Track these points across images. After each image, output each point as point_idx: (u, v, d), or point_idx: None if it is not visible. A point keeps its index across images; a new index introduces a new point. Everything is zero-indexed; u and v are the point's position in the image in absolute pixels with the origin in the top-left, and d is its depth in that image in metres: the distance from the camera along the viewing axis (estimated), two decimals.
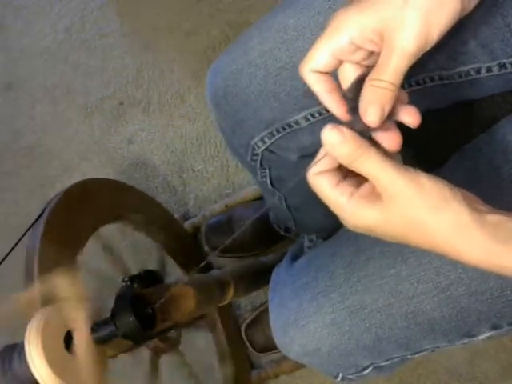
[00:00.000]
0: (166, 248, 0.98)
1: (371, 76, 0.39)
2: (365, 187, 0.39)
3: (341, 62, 0.42)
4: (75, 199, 0.71)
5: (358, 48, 0.40)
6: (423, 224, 0.38)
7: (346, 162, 0.38)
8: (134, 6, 1.39)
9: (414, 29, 0.37)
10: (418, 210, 0.37)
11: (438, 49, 0.52)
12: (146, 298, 0.55)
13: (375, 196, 0.38)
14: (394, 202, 0.38)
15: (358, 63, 0.42)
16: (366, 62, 0.42)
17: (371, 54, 0.41)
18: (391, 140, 0.40)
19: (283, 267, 0.66)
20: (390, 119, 0.40)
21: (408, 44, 0.38)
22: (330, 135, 0.38)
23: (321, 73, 0.42)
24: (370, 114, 0.39)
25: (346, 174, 0.40)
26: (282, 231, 1.03)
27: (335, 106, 0.42)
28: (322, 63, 0.41)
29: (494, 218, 0.37)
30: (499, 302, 0.50)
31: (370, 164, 0.38)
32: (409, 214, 0.38)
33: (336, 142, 0.38)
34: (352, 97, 0.41)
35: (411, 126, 0.41)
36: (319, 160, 0.40)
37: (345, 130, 0.38)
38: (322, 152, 0.40)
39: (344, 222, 0.40)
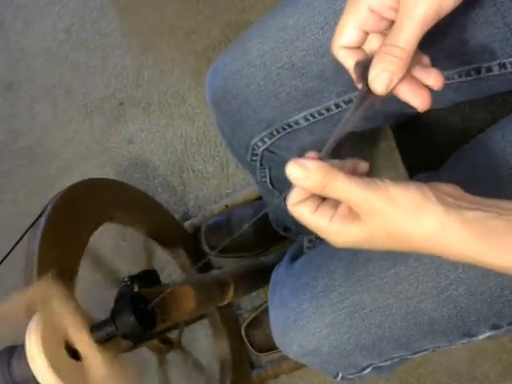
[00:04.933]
0: (166, 248, 0.98)
1: (384, 42, 0.40)
2: (342, 207, 0.40)
3: (367, 35, 0.43)
4: (75, 199, 0.71)
5: (380, 17, 0.41)
6: (404, 232, 0.38)
7: (316, 192, 0.39)
8: (133, 6, 1.39)
9: None
10: (396, 222, 0.38)
11: (437, 48, 0.52)
12: (145, 298, 0.55)
13: (354, 214, 0.39)
14: (371, 217, 0.38)
15: (381, 32, 0.43)
16: (388, 32, 0.42)
17: (393, 22, 0.41)
18: (420, 97, 0.41)
19: (283, 267, 0.66)
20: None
21: (423, 8, 0.38)
22: (294, 171, 0.38)
23: (350, 48, 0.43)
24: (378, 82, 0.40)
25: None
26: (282, 231, 1.03)
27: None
28: (349, 38, 0.42)
29: (473, 214, 0.37)
30: (499, 302, 0.50)
31: (339, 188, 0.38)
32: (388, 227, 0.38)
33: (300, 177, 0.38)
34: (360, 71, 0.42)
35: (435, 88, 0.42)
36: (294, 190, 0.40)
37: (307, 162, 0.38)
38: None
39: (331, 243, 0.41)
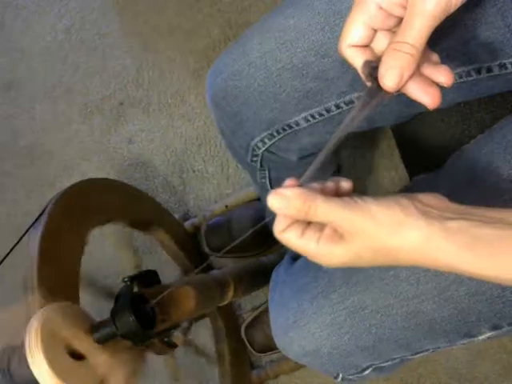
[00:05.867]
0: (166, 248, 0.98)
1: (394, 39, 0.40)
2: (327, 229, 0.40)
3: (375, 33, 0.43)
4: (75, 199, 0.71)
5: (388, 14, 0.41)
6: (390, 250, 0.39)
7: (299, 218, 0.40)
8: (134, 6, 1.39)
9: None
10: (380, 240, 0.38)
11: (438, 49, 0.52)
12: (145, 298, 0.55)
13: (338, 236, 0.40)
14: (355, 237, 0.39)
15: (389, 31, 0.43)
16: (396, 29, 0.42)
17: (401, 20, 0.41)
18: (430, 95, 0.41)
19: (283, 267, 0.66)
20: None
21: (432, 4, 0.38)
22: (274, 202, 0.39)
23: (359, 47, 0.43)
24: (388, 78, 0.40)
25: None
26: None
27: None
28: (357, 36, 0.42)
29: (456, 224, 0.37)
30: (499, 303, 0.50)
31: (320, 212, 0.39)
32: (373, 245, 0.39)
33: (282, 207, 0.39)
34: (368, 70, 0.42)
35: (445, 85, 0.42)
36: (279, 218, 0.41)
37: (286, 191, 0.39)
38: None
39: (322, 264, 0.41)
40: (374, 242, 0.39)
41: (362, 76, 0.43)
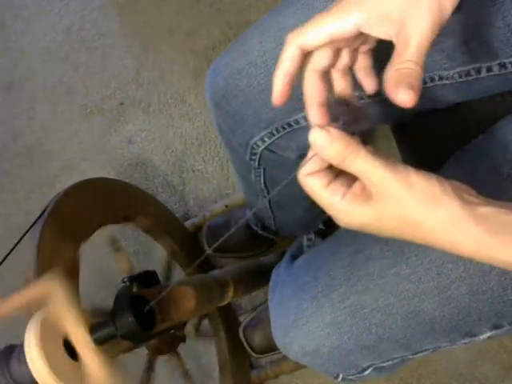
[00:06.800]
0: (167, 248, 0.98)
1: (392, 62, 0.38)
2: (356, 186, 0.39)
3: (327, 46, 0.41)
4: (75, 199, 0.71)
5: (359, 36, 0.41)
6: (415, 222, 0.38)
7: (335, 162, 0.38)
8: (134, 6, 1.39)
9: (425, 4, 0.37)
10: (410, 209, 0.37)
11: (437, 49, 0.52)
12: (145, 299, 0.55)
13: (367, 195, 0.38)
14: (385, 200, 0.37)
15: (353, 50, 0.43)
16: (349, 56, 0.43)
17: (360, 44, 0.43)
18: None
19: (283, 267, 0.66)
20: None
21: (423, 20, 0.37)
22: (318, 136, 0.37)
23: (320, 76, 0.42)
24: (401, 94, 0.37)
25: (337, 172, 0.40)
26: (260, 230, 1.03)
27: (317, 117, 0.43)
28: (314, 40, 0.41)
29: (485, 210, 0.37)
30: (500, 302, 0.50)
31: (359, 163, 0.37)
32: (401, 212, 0.38)
33: (324, 143, 0.37)
34: (334, 110, 0.42)
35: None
36: (309, 160, 0.39)
37: (332, 130, 0.37)
38: (311, 152, 0.40)
39: (337, 221, 0.40)
40: (402, 209, 0.37)
41: (325, 115, 0.43)
